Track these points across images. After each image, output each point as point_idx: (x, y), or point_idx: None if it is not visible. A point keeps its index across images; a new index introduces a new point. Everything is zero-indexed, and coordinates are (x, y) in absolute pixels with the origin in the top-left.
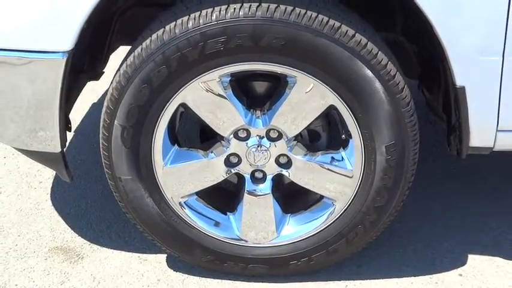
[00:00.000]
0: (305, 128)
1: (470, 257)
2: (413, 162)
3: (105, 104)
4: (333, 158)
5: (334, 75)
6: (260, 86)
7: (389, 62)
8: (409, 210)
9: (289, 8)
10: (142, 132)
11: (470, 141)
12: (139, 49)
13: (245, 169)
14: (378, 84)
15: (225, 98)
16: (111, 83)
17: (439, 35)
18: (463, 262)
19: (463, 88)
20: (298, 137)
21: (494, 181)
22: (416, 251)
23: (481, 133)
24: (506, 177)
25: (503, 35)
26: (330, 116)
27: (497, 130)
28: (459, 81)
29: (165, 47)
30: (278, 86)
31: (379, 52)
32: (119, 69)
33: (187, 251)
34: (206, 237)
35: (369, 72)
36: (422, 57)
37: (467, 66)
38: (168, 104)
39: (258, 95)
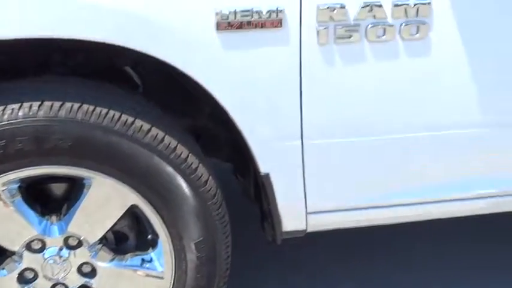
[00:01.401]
0: (108, 231)
1: None
2: (227, 255)
3: None
4: (143, 259)
5: (132, 174)
6: (56, 189)
7: (190, 155)
8: None
9: (76, 105)
10: None
11: (283, 227)
12: None
13: (43, 285)
14: (179, 179)
15: (12, 207)
16: None
17: (236, 122)
18: None
19: (267, 175)
20: (103, 241)
21: None
22: None
23: (292, 218)
24: None
25: (299, 119)
26: (137, 214)
27: (307, 213)
28: (263, 168)
29: None
30: (74, 188)
31: (178, 145)
32: None
33: None
34: None
35: (168, 168)
36: (233, 141)
37: (268, 153)
38: None
39: (54, 198)
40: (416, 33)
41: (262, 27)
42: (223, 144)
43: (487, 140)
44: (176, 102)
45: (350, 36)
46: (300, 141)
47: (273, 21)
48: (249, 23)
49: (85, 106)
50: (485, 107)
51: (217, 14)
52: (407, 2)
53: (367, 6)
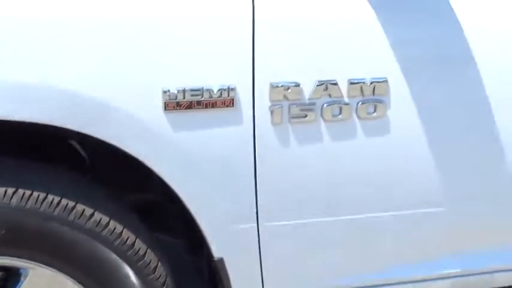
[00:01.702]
0: None
1: None
2: None
3: None
4: None
5: (73, 263)
6: None
7: (137, 240)
8: None
9: (10, 191)
10: None
11: None
12: None
13: None
14: (126, 268)
15: None
16: None
17: (187, 206)
18: None
19: (221, 260)
20: None
21: None
22: None
23: None
24: None
25: (254, 201)
26: None
27: None
28: (216, 252)
29: None
30: (10, 278)
31: (124, 230)
32: None
33: None
34: None
35: (113, 256)
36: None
37: (222, 237)
38: None
39: None
40: (374, 111)
41: (213, 106)
42: (174, 221)
43: (449, 218)
44: (125, 176)
45: (305, 116)
46: (256, 224)
47: (225, 100)
48: (199, 102)
49: (20, 191)
50: (446, 186)
51: (165, 93)
52: (363, 80)
53: (322, 84)
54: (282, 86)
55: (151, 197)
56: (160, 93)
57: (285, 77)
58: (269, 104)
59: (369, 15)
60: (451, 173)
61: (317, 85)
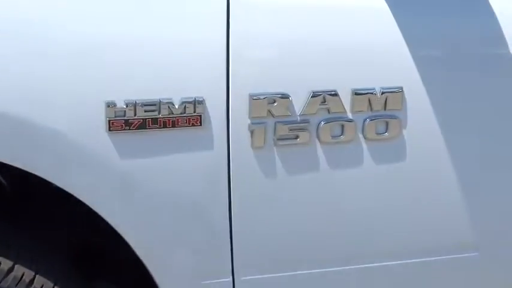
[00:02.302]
0: None
1: None
2: None
3: None
4: None
5: None
6: None
7: None
8: None
9: None
10: None
11: None
12: None
13: None
14: None
15: None
16: None
17: (136, 251)
18: None
19: None
20: None
21: None
22: None
23: None
24: None
25: (229, 249)
26: None
27: None
28: None
29: None
30: None
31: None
32: None
33: None
34: None
35: None
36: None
37: None
38: None
39: None
40: (385, 131)
41: (174, 126)
42: (126, 268)
43: (484, 264)
44: (59, 214)
45: (296, 137)
46: (231, 279)
47: (189, 117)
48: (155, 120)
49: None
50: (481, 226)
51: (108, 107)
52: (371, 90)
53: (318, 95)
54: (265, 98)
55: (97, 240)
56: (102, 108)
57: (270, 86)
58: (248, 121)
59: (379, 2)
60: (487, 210)
61: (311, 96)
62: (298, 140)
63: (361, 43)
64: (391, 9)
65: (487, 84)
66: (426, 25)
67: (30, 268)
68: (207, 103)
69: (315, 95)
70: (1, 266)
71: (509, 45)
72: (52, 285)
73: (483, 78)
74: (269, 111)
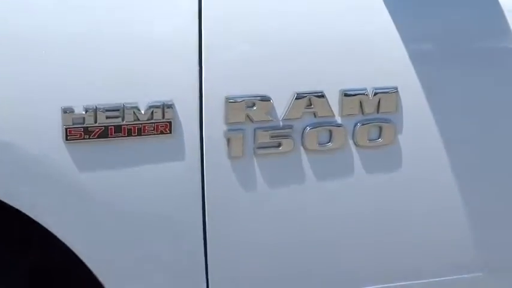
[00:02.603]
0: None
1: None
2: None
3: None
4: None
5: None
6: None
7: None
8: None
9: None
10: None
11: None
12: None
13: None
14: None
15: None
16: None
17: (96, 275)
18: None
19: None
20: None
21: None
22: None
23: None
24: None
25: (203, 276)
26: None
27: None
28: None
29: None
30: None
31: None
32: None
33: None
34: None
35: None
36: None
37: None
38: None
39: None
40: (379, 137)
41: (140, 134)
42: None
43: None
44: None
45: (278, 145)
46: None
47: (158, 124)
48: (118, 128)
49: None
50: (486, 245)
51: (65, 113)
52: (363, 91)
53: (303, 97)
54: (242, 101)
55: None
56: (58, 115)
57: (248, 87)
58: (224, 128)
59: None
60: (491, 225)
61: (295, 99)
62: (280, 148)
63: (350, 38)
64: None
65: (492, 83)
66: (424, 17)
67: None
68: (177, 108)
69: (299, 97)
70: None
71: None
72: None
73: (487, 77)
74: (247, 116)
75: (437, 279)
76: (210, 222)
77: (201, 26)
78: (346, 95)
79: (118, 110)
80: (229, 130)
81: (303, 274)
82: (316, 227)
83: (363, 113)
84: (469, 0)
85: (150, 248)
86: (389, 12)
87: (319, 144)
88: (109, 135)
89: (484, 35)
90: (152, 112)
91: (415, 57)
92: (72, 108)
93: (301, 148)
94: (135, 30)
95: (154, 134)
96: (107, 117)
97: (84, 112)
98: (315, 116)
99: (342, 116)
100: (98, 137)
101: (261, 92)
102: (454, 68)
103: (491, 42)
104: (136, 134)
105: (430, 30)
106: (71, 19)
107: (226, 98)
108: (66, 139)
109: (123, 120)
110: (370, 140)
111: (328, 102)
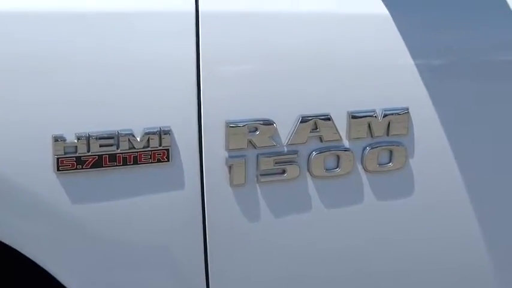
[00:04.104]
0: None
1: None
2: None
3: None
4: None
5: None
6: None
7: None
8: None
9: None
10: None
11: None
12: None
13: None
14: None
15: None
16: None
17: None
18: None
19: None
20: None
21: None
22: None
23: None
24: None
25: None
26: None
27: None
28: None
29: None
30: None
31: None
32: None
33: None
34: None
35: None
36: None
37: None
38: None
39: None
40: (389, 161)
41: (136, 163)
42: None
43: None
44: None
45: (283, 172)
46: None
47: (155, 152)
48: (112, 157)
49: None
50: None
51: (56, 141)
52: (371, 113)
53: (309, 121)
54: (244, 125)
55: None
56: (49, 144)
57: (250, 111)
58: (225, 155)
59: (379, 9)
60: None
61: (300, 122)
62: (285, 175)
63: (358, 55)
64: (392, 16)
65: (509, 102)
66: (435, 33)
67: None
68: (175, 134)
69: (304, 120)
70: None
71: None
72: None
73: (504, 95)
74: (250, 141)
75: None
76: (211, 255)
77: (198, 47)
78: (353, 117)
79: (112, 137)
80: (230, 157)
81: None
82: (323, 259)
83: (372, 136)
84: (482, 17)
85: (149, 283)
86: (399, 30)
87: (326, 170)
88: (103, 165)
89: (498, 51)
90: (148, 139)
91: (427, 77)
92: (63, 137)
93: (307, 174)
94: (129, 54)
95: (151, 163)
96: (101, 146)
97: (76, 141)
98: (321, 141)
99: (349, 139)
100: (92, 167)
101: (264, 115)
102: (469, 86)
103: (506, 56)
104: (132, 162)
105: (441, 48)
106: (62, 46)
107: (227, 123)
108: (58, 169)
109: (117, 148)
110: (380, 164)
111: (334, 125)
